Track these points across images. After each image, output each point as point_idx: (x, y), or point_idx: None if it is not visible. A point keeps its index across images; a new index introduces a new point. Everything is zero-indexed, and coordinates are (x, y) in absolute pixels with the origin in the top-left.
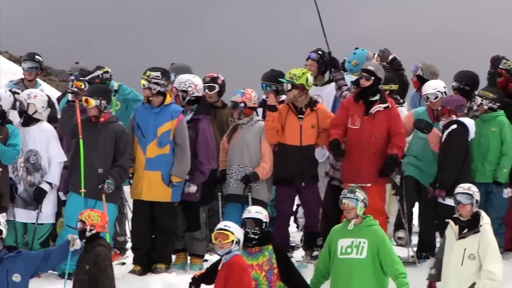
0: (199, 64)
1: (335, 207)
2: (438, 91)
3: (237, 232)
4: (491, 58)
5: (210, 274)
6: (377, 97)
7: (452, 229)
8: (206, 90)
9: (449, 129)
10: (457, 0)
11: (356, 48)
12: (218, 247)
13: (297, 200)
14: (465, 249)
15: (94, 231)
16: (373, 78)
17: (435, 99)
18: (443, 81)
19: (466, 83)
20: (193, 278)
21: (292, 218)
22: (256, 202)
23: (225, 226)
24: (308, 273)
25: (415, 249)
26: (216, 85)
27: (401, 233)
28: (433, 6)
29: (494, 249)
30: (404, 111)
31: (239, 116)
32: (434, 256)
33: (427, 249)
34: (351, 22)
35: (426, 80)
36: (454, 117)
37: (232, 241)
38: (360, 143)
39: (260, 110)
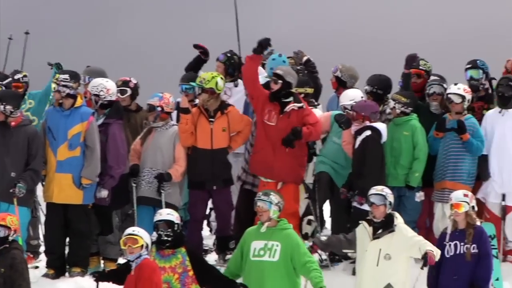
0: (115, 67)
1: (248, 211)
2: (355, 102)
3: (145, 236)
4: (406, 57)
5: (119, 273)
6: (290, 99)
7: (366, 230)
8: (118, 94)
9: (363, 136)
10: (373, 4)
11: (280, 55)
12: (128, 252)
13: (210, 204)
14: (380, 249)
15: (14, 235)
16: (281, 82)
17: (351, 109)
18: (360, 90)
19: (378, 87)
20: (103, 271)
21: (205, 222)
22: (168, 205)
23: (134, 231)
24: None
25: (327, 252)
26: (128, 89)
27: (310, 217)
28: (349, 9)
29: (417, 235)
30: (319, 113)
31: (155, 119)
32: (347, 259)
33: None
34: (265, 24)
35: (345, 83)
36: (367, 123)
37: (142, 245)
38: (275, 141)
39: (174, 114)
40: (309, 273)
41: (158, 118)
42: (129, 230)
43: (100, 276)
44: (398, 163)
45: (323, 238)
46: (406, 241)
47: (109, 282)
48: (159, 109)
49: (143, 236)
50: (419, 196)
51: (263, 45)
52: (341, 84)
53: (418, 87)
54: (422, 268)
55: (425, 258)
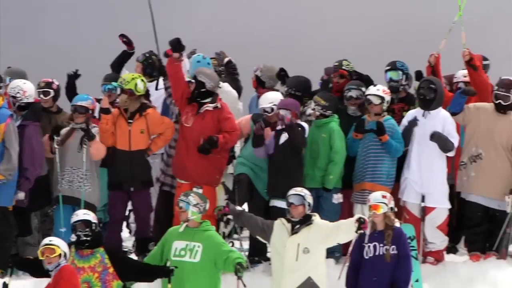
0: (38, 68)
1: (167, 212)
2: (274, 105)
3: (62, 245)
4: (325, 68)
5: (36, 265)
6: (208, 100)
7: (284, 226)
8: (41, 95)
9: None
10: (294, 6)
11: (204, 57)
12: (46, 263)
13: (129, 205)
14: (298, 244)
15: None
16: (194, 81)
17: (271, 111)
18: (280, 92)
19: (297, 89)
20: (20, 257)
21: (124, 223)
22: (86, 204)
23: (50, 241)
24: None
25: (247, 253)
26: (51, 90)
27: (229, 216)
28: (270, 11)
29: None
30: (240, 109)
31: (86, 121)
32: (266, 260)
33: (259, 254)
34: (184, 25)
35: (264, 83)
36: (298, 121)
37: (59, 254)
38: (189, 142)
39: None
40: (232, 258)
41: (90, 120)
42: (46, 240)
43: (15, 262)
44: (316, 165)
45: (236, 207)
46: (323, 232)
47: (23, 270)
48: (90, 112)
49: (60, 245)
50: (337, 198)
51: (173, 44)
52: (260, 84)
53: (340, 87)
54: (356, 232)
55: (360, 221)
